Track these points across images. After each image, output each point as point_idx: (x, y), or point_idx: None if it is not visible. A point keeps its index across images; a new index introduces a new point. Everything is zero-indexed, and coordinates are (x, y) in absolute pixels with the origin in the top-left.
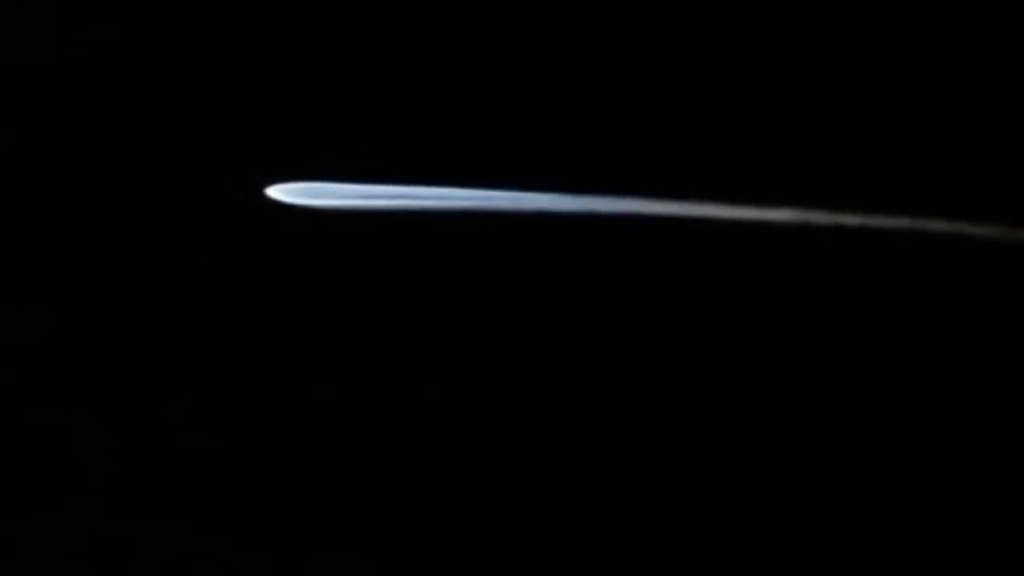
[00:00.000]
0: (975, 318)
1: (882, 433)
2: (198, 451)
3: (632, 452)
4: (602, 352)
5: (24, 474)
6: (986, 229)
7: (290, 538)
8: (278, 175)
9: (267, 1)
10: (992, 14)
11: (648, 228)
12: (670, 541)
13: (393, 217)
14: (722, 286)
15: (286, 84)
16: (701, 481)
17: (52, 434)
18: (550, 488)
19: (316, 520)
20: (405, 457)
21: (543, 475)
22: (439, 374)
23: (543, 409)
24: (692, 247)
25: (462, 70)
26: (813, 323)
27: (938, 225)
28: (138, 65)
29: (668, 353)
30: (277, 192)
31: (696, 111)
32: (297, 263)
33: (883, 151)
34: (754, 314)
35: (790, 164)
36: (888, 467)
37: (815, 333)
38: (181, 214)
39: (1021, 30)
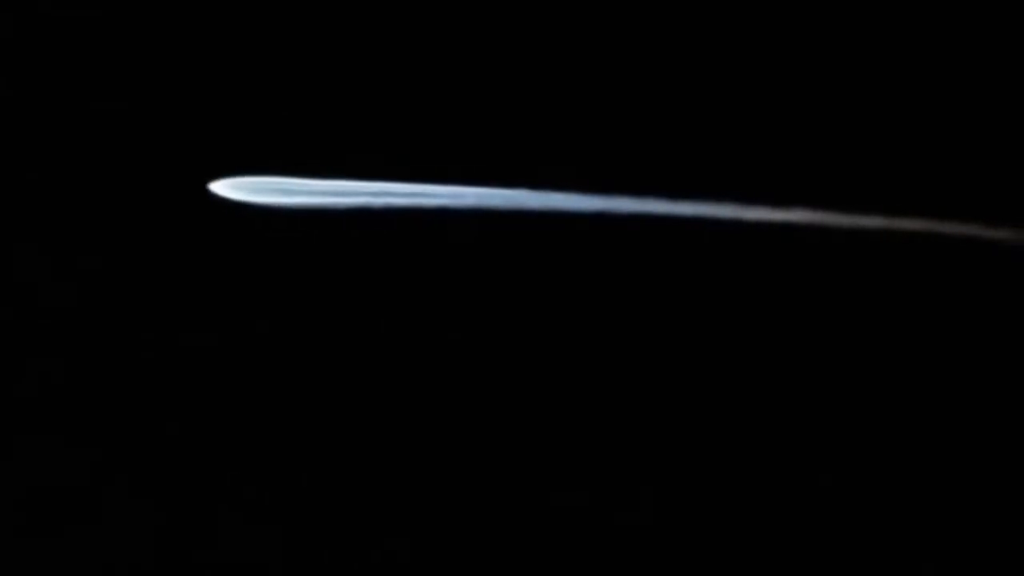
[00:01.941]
0: (990, 320)
1: (889, 433)
2: (141, 455)
3: (646, 452)
4: (591, 355)
5: None
6: (1001, 232)
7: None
8: (223, 169)
9: None
10: (995, 14)
11: (643, 228)
12: (670, 541)
13: (346, 215)
14: (732, 287)
15: (228, 68)
16: (714, 480)
17: None
18: (546, 487)
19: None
20: (360, 464)
21: (535, 476)
22: (389, 377)
23: (518, 411)
24: (695, 247)
25: (416, 60)
26: (823, 323)
27: (953, 227)
28: (73, 57)
29: (674, 354)
30: (222, 188)
31: (706, 111)
32: (244, 265)
33: (898, 153)
34: (763, 314)
35: (806, 165)
36: (894, 467)
37: (825, 333)
38: (119, 209)
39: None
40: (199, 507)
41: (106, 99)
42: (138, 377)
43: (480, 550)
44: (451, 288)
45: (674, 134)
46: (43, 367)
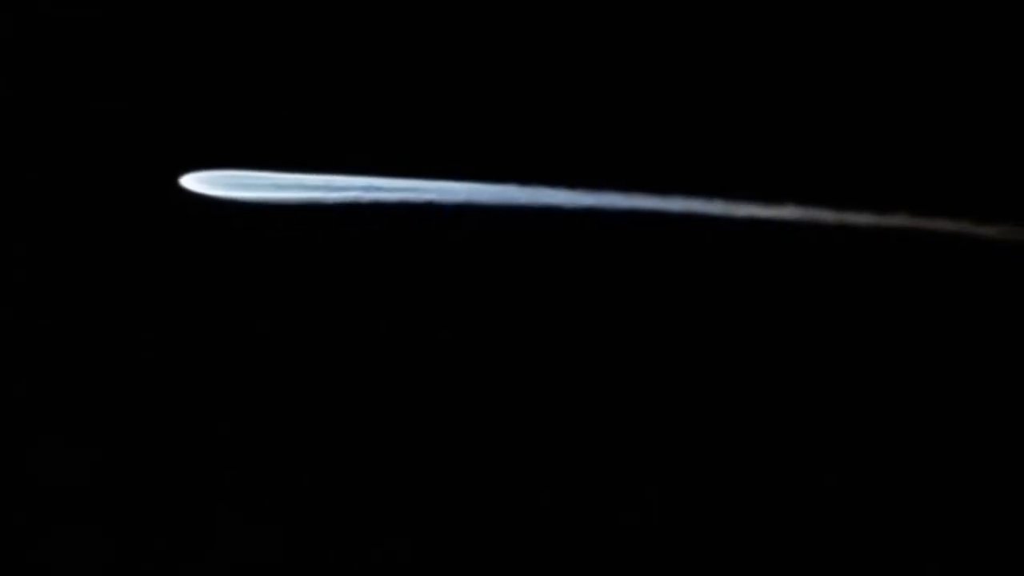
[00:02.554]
0: (978, 317)
1: (884, 432)
2: (104, 456)
3: (635, 448)
4: (581, 351)
5: None
6: (989, 229)
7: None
8: (193, 162)
9: None
10: (992, 14)
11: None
12: (670, 541)
13: (335, 210)
14: (722, 283)
15: (196, 60)
16: (707, 480)
17: None
18: (541, 487)
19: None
20: (355, 463)
21: (530, 474)
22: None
23: (510, 408)
24: (685, 243)
25: (405, 56)
26: (813, 319)
27: (942, 224)
28: (40, 56)
29: (664, 350)
30: (192, 181)
31: (696, 108)
32: (215, 261)
33: (888, 150)
34: (754, 310)
35: (795, 161)
36: (889, 467)
37: (817, 330)
38: (85, 204)
39: (1022, 30)
40: (197, 507)
41: (74, 93)
42: (115, 374)
43: (480, 549)
44: (440, 284)
45: (664, 131)
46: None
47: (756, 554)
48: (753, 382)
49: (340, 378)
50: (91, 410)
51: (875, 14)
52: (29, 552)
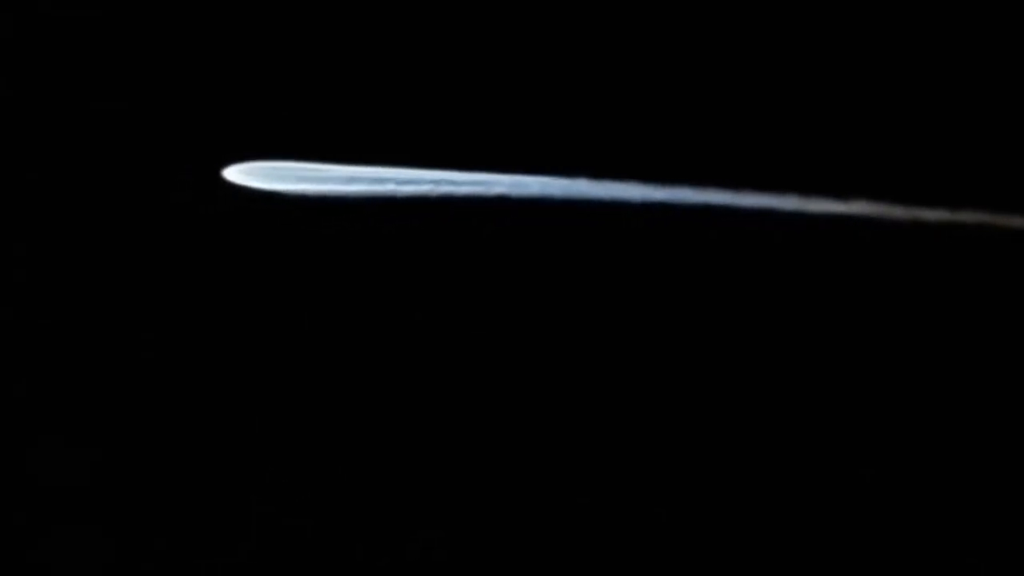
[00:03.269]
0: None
1: (941, 429)
2: (141, 445)
3: (655, 448)
4: (645, 346)
5: None
6: None
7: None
8: (236, 154)
9: None
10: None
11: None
12: (670, 541)
13: (365, 203)
14: (793, 278)
15: (238, 52)
16: (721, 478)
17: None
18: (545, 484)
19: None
20: (380, 459)
21: (538, 472)
22: (399, 367)
23: (551, 406)
24: (757, 238)
25: (427, 46)
26: (887, 314)
27: (1014, 221)
28: (82, 44)
29: (740, 342)
30: (235, 173)
31: (768, 102)
32: (257, 254)
33: (961, 147)
34: (824, 305)
35: (868, 157)
36: (945, 468)
37: (889, 324)
38: (128, 197)
39: None
40: (197, 507)
41: (116, 86)
42: (151, 369)
43: (511, 546)
44: (511, 279)
45: (736, 126)
46: (63, 358)
47: (753, 555)
48: (827, 375)
49: (376, 374)
50: (91, 410)
51: (948, 13)
52: (29, 552)
